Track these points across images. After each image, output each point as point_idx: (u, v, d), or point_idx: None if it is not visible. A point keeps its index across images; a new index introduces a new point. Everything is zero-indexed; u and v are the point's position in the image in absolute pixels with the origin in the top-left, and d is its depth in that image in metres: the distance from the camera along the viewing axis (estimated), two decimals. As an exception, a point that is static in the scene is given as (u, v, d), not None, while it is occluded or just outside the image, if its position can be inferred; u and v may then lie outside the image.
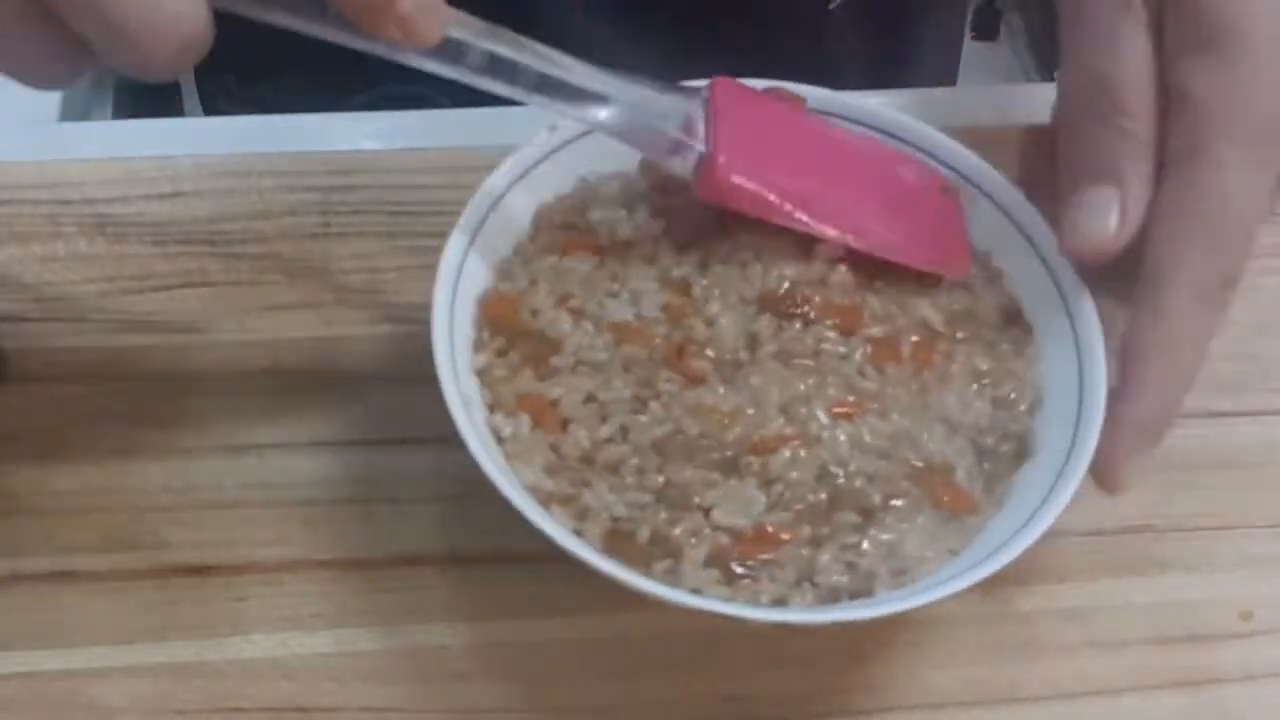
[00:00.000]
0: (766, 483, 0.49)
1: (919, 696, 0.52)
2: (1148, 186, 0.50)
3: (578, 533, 0.48)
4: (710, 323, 0.51)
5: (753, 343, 0.51)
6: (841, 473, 0.49)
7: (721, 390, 0.50)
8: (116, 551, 0.53)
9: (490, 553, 0.53)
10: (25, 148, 0.62)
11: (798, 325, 0.52)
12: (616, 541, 0.48)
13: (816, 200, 0.52)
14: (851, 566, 0.48)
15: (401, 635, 0.52)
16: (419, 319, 0.50)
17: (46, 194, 0.60)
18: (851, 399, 0.51)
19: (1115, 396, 0.49)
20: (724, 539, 0.48)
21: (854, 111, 0.56)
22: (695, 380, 0.50)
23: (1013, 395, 0.52)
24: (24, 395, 0.56)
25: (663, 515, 0.48)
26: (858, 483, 0.49)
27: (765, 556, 0.48)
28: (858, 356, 0.52)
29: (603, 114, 0.51)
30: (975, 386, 0.52)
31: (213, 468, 0.55)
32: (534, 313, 0.52)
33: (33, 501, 0.53)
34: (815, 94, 0.56)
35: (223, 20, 0.41)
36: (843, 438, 0.50)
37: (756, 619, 0.46)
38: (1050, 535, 0.48)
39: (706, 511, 0.48)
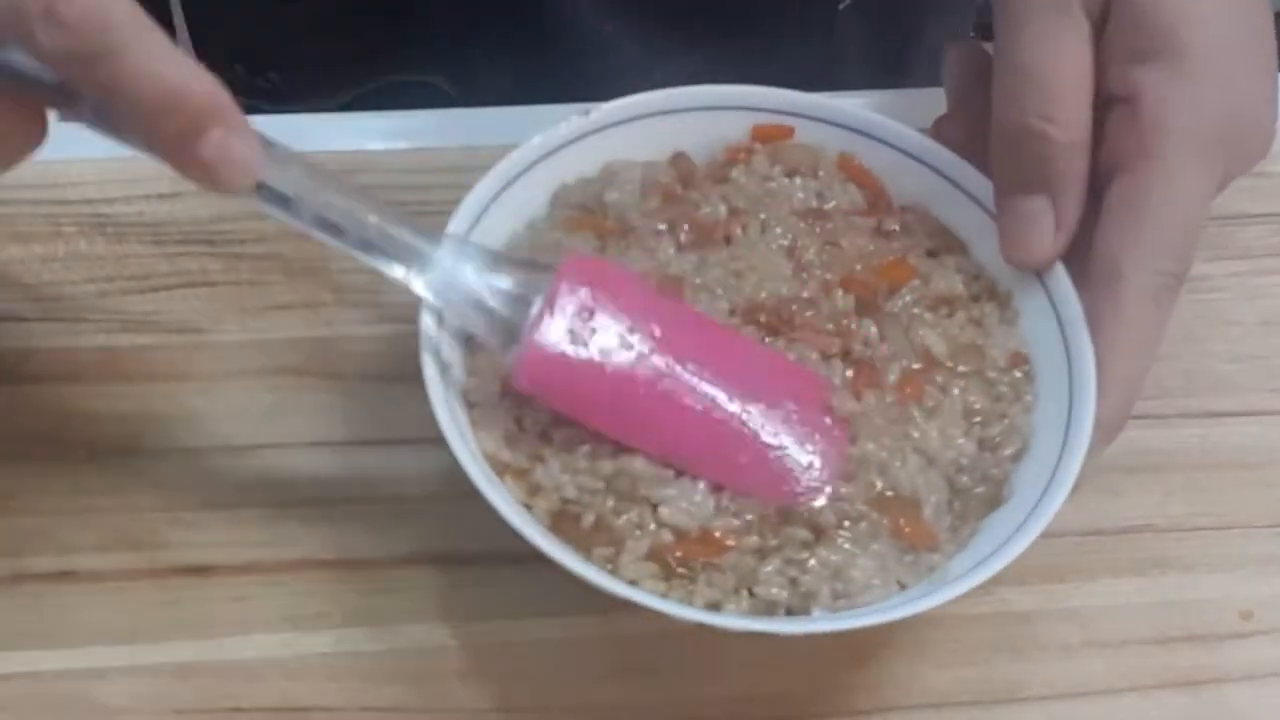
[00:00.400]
0: (719, 486, 0.49)
1: (919, 696, 0.52)
2: (1081, 191, 0.51)
3: (527, 506, 0.48)
4: None
5: None
6: None
7: None
8: (116, 551, 0.53)
9: (490, 553, 0.53)
10: (25, 148, 0.62)
11: (780, 342, 0.52)
12: (562, 522, 0.48)
13: (631, 407, 0.49)
14: (794, 582, 0.48)
15: (401, 635, 0.52)
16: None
17: (46, 194, 0.60)
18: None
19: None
20: (668, 536, 0.48)
21: (831, 114, 0.56)
22: None
23: (999, 438, 0.51)
24: (24, 395, 0.56)
25: (610, 503, 0.49)
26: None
27: (706, 560, 0.48)
28: (837, 380, 0.52)
29: (422, 280, 0.49)
30: (964, 424, 0.52)
31: (213, 468, 0.55)
32: None
33: (33, 501, 0.53)
34: (792, 97, 0.56)
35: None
36: None
37: (684, 618, 0.46)
38: (1050, 535, 0.48)
39: (654, 507, 0.49)
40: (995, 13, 0.53)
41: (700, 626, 0.46)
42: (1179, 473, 0.57)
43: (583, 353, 0.49)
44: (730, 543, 0.48)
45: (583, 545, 0.48)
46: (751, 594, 0.48)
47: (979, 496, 0.50)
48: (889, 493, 0.50)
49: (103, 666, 0.50)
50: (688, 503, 0.49)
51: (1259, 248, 0.63)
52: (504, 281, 0.50)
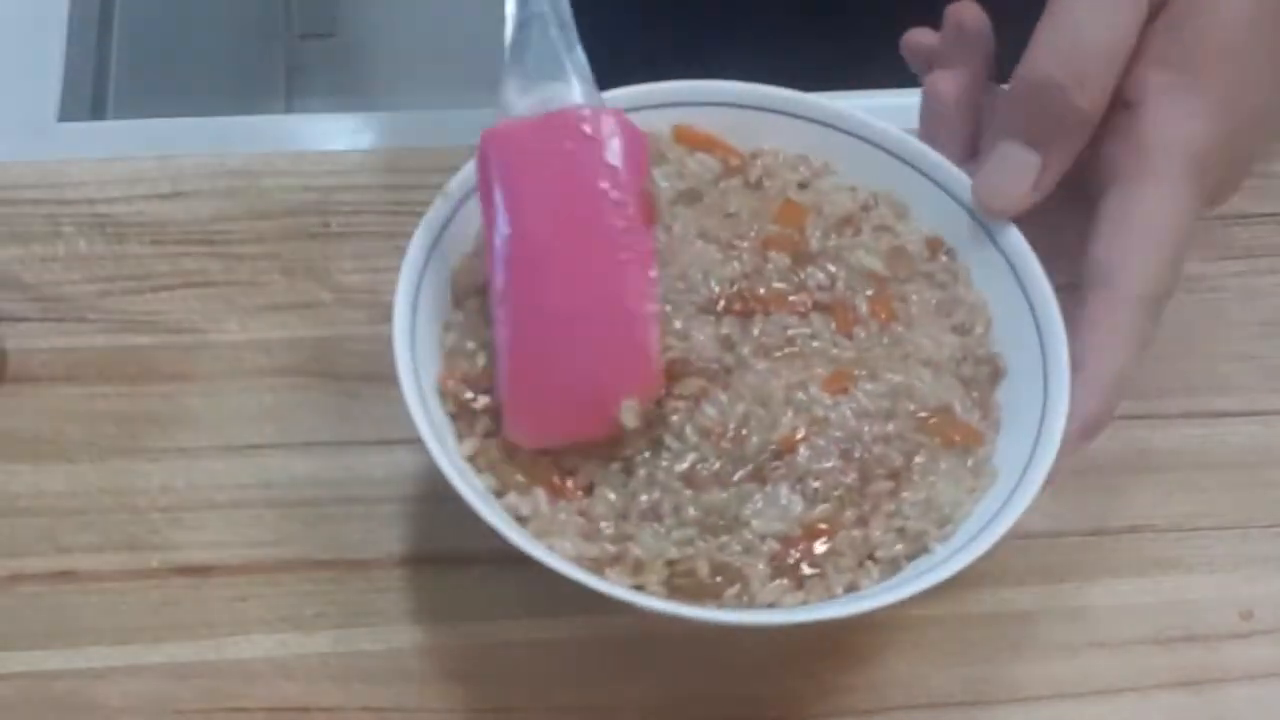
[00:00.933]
0: (798, 479, 0.49)
1: (919, 696, 0.52)
2: (1067, 163, 0.51)
3: (639, 587, 0.47)
4: (683, 337, 0.51)
5: (728, 345, 0.51)
6: (859, 446, 0.49)
7: (724, 398, 0.50)
8: (116, 551, 0.53)
9: (490, 553, 0.52)
10: (25, 148, 0.62)
11: (759, 320, 0.52)
12: (680, 583, 0.47)
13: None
14: (902, 532, 0.48)
15: (401, 635, 0.52)
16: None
17: (46, 194, 0.60)
18: (838, 371, 0.51)
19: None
20: (775, 545, 0.48)
21: (818, 112, 0.56)
22: (698, 398, 0.50)
23: (966, 320, 0.52)
24: (24, 395, 0.56)
25: (711, 542, 0.48)
26: (877, 450, 0.49)
27: (822, 550, 0.48)
28: (826, 333, 0.52)
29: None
30: (939, 320, 0.52)
31: (213, 468, 0.55)
32: None
33: (33, 501, 0.53)
34: (790, 97, 0.56)
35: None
36: (848, 412, 0.50)
37: (667, 612, 0.46)
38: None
39: (748, 523, 0.48)
40: None
41: (701, 627, 0.46)
42: (1179, 473, 0.57)
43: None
44: (830, 526, 0.48)
45: (711, 595, 0.47)
46: (875, 560, 0.48)
47: (985, 376, 0.51)
48: (922, 413, 0.50)
49: (103, 666, 0.50)
50: (775, 507, 0.48)
51: (1259, 248, 0.63)
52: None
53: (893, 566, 0.48)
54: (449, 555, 0.53)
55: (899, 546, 0.48)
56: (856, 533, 0.48)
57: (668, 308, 0.51)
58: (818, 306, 0.52)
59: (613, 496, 0.49)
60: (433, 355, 0.50)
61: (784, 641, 0.52)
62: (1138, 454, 0.56)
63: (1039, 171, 0.51)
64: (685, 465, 0.49)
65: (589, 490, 0.49)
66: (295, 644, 0.51)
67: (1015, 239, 0.52)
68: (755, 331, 0.51)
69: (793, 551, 0.48)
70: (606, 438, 0.48)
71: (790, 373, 0.50)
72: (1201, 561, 0.55)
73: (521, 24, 0.52)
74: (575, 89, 0.51)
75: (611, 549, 0.48)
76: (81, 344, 0.57)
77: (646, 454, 0.49)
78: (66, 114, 0.67)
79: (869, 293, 0.52)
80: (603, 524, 0.48)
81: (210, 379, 0.56)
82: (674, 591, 0.47)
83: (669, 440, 0.49)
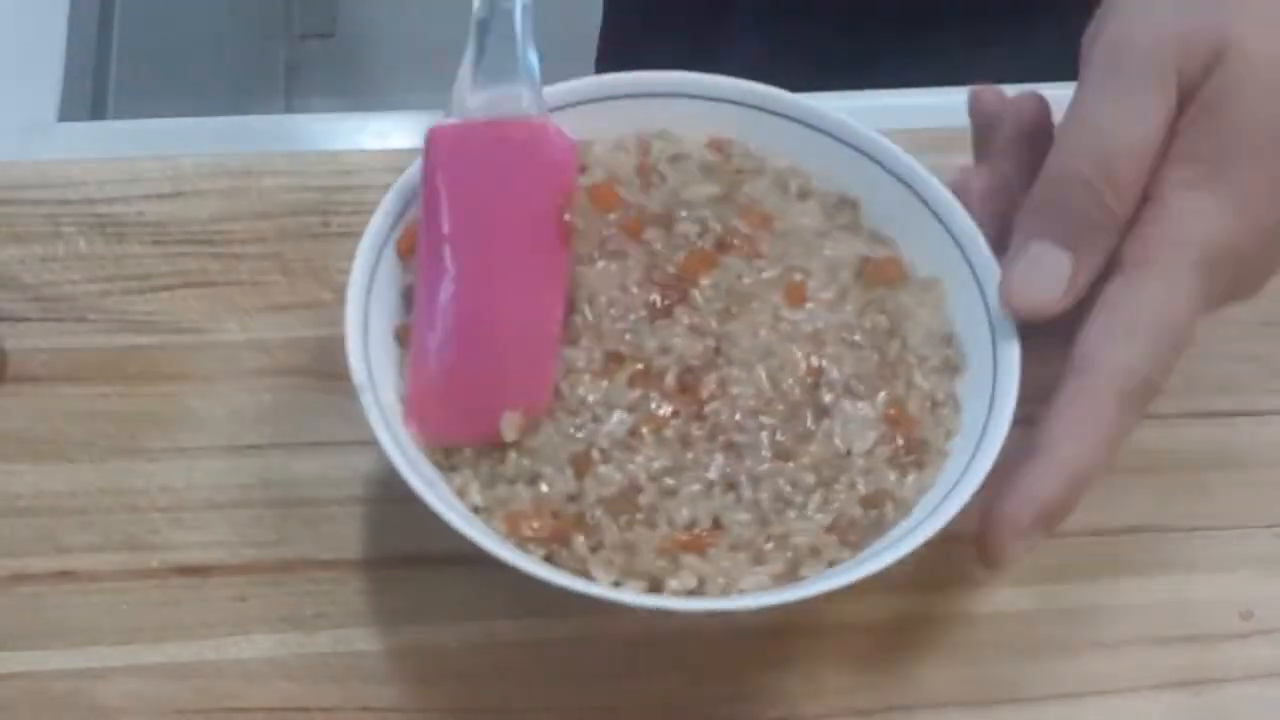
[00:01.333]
0: (845, 391, 0.50)
1: (919, 696, 0.52)
2: (1100, 265, 0.50)
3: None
4: (666, 350, 0.50)
5: (700, 332, 0.51)
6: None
7: (738, 372, 0.50)
8: (116, 551, 0.53)
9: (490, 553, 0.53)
10: (25, 148, 0.62)
11: (697, 291, 0.51)
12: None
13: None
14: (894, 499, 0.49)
15: (401, 635, 0.52)
16: (419, 319, 0.50)
17: (46, 194, 0.60)
18: (788, 286, 0.52)
19: (1021, 473, 0.48)
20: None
21: (804, 114, 0.56)
22: (724, 386, 0.50)
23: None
24: (24, 395, 0.56)
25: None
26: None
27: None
28: (742, 267, 0.52)
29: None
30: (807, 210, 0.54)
31: (213, 468, 0.55)
32: None
33: (33, 501, 0.53)
34: (771, 95, 0.56)
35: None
36: (823, 313, 0.51)
37: (640, 605, 0.46)
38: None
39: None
40: (1085, 59, 0.51)
41: (701, 626, 0.47)
42: (1179, 473, 0.57)
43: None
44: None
45: (579, 567, 0.47)
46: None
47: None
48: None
49: (102, 666, 0.50)
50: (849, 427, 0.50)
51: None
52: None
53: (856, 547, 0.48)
54: (449, 555, 0.53)
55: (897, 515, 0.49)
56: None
57: (627, 336, 0.51)
58: (720, 248, 0.52)
59: (667, 515, 0.48)
60: (389, 364, 0.51)
61: (783, 641, 0.52)
62: (1138, 454, 0.56)
63: (1072, 273, 0.50)
64: (766, 448, 0.49)
65: (639, 512, 0.48)
66: (295, 644, 0.51)
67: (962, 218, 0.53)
68: (702, 301, 0.51)
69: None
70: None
71: (760, 313, 0.51)
72: (1201, 561, 0.55)
73: (481, 21, 0.52)
74: (524, 96, 0.52)
75: (667, 564, 0.48)
76: (81, 344, 0.57)
77: (720, 458, 0.49)
78: (66, 114, 0.67)
79: (736, 220, 0.53)
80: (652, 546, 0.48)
81: (210, 379, 0.57)
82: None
83: (737, 438, 0.49)
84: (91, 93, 0.80)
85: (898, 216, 0.54)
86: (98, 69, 0.82)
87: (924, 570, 0.51)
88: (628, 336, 0.50)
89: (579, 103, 0.55)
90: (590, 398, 0.49)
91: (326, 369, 0.57)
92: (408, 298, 0.52)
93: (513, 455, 0.49)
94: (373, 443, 0.55)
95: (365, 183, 0.61)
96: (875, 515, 0.49)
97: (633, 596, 0.46)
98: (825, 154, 0.55)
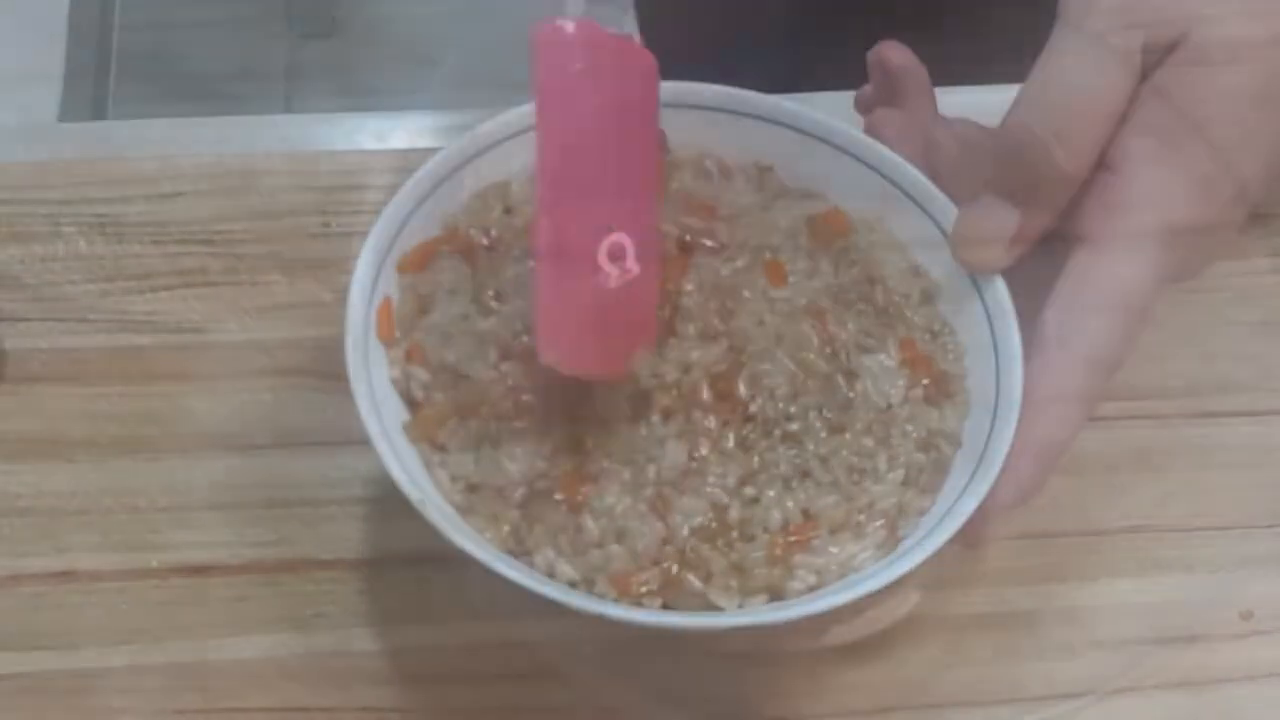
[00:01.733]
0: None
1: (919, 696, 0.52)
2: (1048, 221, 0.51)
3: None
4: (685, 368, 0.50)
5: (711, 335, 0.51)
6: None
7: (767, 366, 0.50)
8: (116, 551, 0.53)
9: (490, 553, 0.53)
10: (25, 148, 0.62)
11: (686, 297, 0.51)
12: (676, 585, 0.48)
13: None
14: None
15: (401, 635, 0.52)
16: (419, 319, 0.50)
17: (46, 194, 0.60)
18: (768, 263, 0.52)
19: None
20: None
21: (788, 116, 0.56)
22: (761, 382, 0.50)
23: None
24: (24, 395, 0.56)
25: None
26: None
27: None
28: (714, 263, 0.52)
29: None
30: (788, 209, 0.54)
31: (213, 468, 0.55)
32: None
33: (33, 501, 0.53)
34: (757, 100, 0.56)
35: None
36: (809, 285, 0.52)
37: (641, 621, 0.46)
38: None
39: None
40: (1059, 13, 0.51)
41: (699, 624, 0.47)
42: (1179, 473, 0.57)
43: None
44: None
45: (701, 602, 0.47)
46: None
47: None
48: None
49: (103, 666, 0.50)
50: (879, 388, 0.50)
51: (1259, 248, 0.63)
52: None
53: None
54: (449, 555, 0.53)
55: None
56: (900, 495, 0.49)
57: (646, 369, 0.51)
58: (684, 249, 0.52)
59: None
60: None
61: (783, 641, 0.52)
62: (1138, 454, 0.56)
63: (1018, 227, 0.50)
64: (820, 427, 0.50)
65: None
66: (295, 644, 0.51)
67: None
68: (694, 306, 0.51)
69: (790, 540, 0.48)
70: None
71: (754, 300, 0.51)
72: (1201, 561, 0.55)
73: None
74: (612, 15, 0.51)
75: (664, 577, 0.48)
76: (81, 344, 0.57)
77: (783, 450, 0.49)
78: (66, 114, 0.67)
79: (687, 218, 0.53)
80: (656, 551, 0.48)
81: (210, 379, 0.57)
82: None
83: (791, 426, 0.49)
84: (92, 93, 0.80)
85: (816, 170, 0.54)
86: (98, 69, 0.82)
87: (924, 570, 0.51)
88: (646, 369, 0.50)
89: (513, 135, 0.54)
90: (637, 438, 0.49)
91: (326, 369, 0.57)
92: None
93: (588, 521, 0.48)
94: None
95: (365, 183, 0.61)
96: (935, 456, 0.50)
97: (730, 619, 0.47)
98: (730, 127, 0.55)
